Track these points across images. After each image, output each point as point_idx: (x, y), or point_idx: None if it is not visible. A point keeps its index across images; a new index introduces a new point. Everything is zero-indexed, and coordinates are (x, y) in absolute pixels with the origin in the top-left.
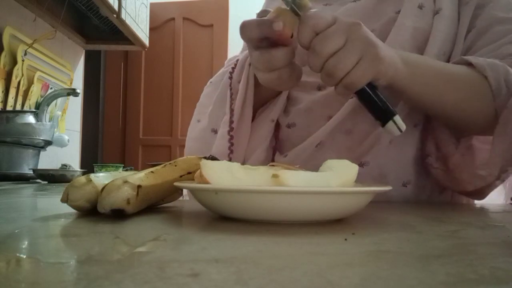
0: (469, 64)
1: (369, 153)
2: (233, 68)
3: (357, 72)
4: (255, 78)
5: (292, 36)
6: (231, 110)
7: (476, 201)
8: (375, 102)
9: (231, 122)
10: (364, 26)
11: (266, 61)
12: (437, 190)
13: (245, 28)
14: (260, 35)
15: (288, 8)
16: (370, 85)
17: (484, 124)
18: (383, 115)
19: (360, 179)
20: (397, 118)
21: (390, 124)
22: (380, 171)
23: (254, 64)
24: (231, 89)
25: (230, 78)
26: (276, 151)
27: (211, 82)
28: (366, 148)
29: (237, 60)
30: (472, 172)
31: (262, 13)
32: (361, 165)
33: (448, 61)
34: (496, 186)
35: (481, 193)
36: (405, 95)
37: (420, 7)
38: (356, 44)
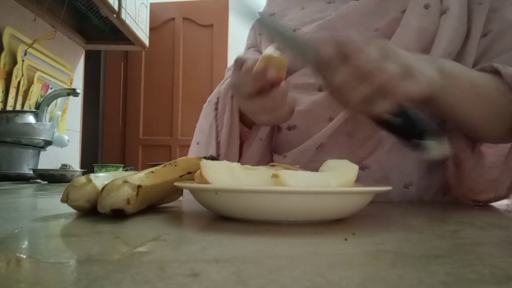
0: (497, 72)
1: (371, 156)
2: (218, 98)
3: (382, 106)
4: (239, 108)
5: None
6: (217, 143)
7: None
8: (410, 123)
9: (218, 155)
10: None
11: (268, 105)
12: (440, 192)
13: (239, 86)
14: (257, 88)
15: (274, 54)
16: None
17: (505, 136)
18: (420, 135)
19: (361, 182)
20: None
21: (429, 143)
22: (381, 174)
23: (254, 111)
24: (216, 121)
25: (216, 109)
26: (273, 154)
27: (209, 102)
28: (368, 151)
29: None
30: (481, 175)
31: (239, 61)
32: (362, 168)
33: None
34: (504, 199)
35: (488, 202)
36: (436, 106)
37: (426, 6)
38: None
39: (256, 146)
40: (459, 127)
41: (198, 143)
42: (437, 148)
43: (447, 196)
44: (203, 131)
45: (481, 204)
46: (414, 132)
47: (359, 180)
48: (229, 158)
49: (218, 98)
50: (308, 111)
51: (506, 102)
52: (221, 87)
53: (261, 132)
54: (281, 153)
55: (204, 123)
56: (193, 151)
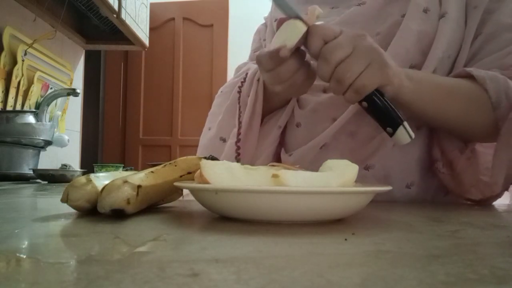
0: (471, 76)
1: (374, 156)
2: (242, 82)
3: (366, 75)
4: (264, 92)
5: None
6: (239, 123)
7: None
8: (385, 108)
9: (238, 133)
10: (369, 36)
11: (276, 78)
12: (441, 191)
13: (261, 62)
14: (275, 65)
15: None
16: (378, 92)
17: (484, 134)
18: (392, 122)
19: (363, 181)
20: (406, 124)
21: (400, 130)
22: (384, 173)
23: (268, 82)
24: (239, 103)
25: (239, 92)
26: (281, 149)
27: (221, 92)
28: (371, 151)
29: (247, 74)
30: (477, 175)
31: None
32: (366, 168)
33: (453, 64)
34: (501, 196)
35: (487, 202)
36: (408, 110)
37: (425, 11)
38: (363, 51)
39: (275, 134)
40: (441, 127)
41: (209, 129)
42: (403, 136)
43: (448, 195)
44: (217, 115)
45: (481, 203)
46: (386, 120)
47: (362, 180)
48: (248, 138)
49: (242, 82)
50: (312, 111)
51: (483, 101)
52: (235, 79)
53: (281, 120)
54: (287, 151)
55: (217, 109)
56: (205, 137)
